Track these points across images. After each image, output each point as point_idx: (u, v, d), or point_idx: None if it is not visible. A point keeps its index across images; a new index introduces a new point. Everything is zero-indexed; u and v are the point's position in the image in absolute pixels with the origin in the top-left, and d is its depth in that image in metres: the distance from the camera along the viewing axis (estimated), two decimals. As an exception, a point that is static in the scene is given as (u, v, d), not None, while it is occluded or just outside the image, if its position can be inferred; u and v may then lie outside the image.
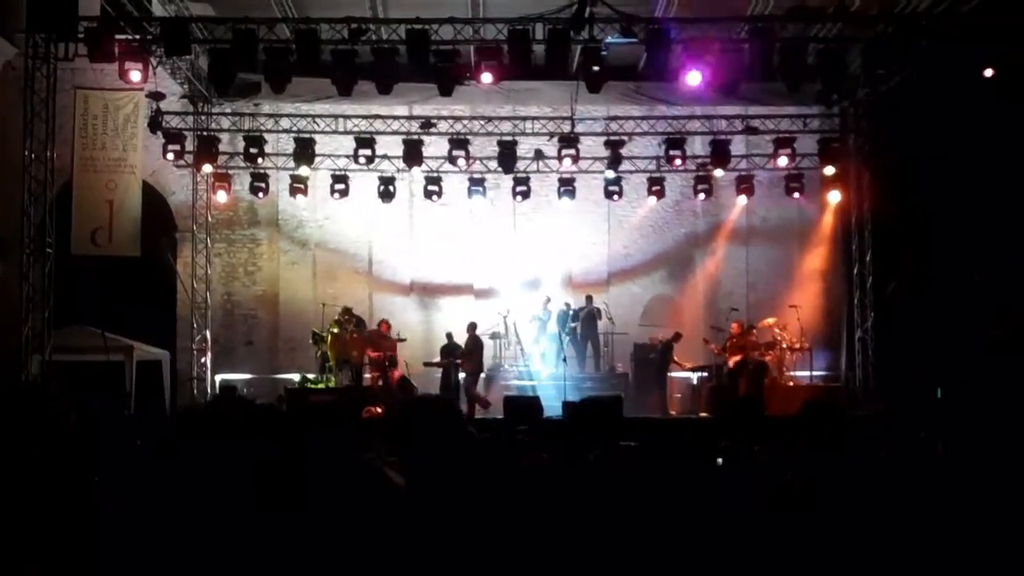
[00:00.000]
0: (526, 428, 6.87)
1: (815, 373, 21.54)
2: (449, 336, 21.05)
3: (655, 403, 20.63)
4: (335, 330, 20.36)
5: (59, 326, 18.55)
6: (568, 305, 22.15)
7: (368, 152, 21.48)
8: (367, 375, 20.66)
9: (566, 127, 21.85)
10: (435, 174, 22.24)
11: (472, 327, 20.94)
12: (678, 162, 21.71)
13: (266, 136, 21.95)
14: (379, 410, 18.98)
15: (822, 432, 4.19)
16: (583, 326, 21.88)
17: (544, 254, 23.49)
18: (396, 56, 17.91)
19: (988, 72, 17.06)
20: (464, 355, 20.60)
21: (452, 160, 21.67)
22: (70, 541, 3.17)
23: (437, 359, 20.93)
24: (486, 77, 17.74)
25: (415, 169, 21.86)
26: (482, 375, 20.94)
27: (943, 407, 15.99)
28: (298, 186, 22.22)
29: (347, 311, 20.81)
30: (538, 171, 22.55)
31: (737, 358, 20.22)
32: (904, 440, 7.04)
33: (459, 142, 21.58)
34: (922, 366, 18.59)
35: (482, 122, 22.11)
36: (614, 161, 21.78)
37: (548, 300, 22.33)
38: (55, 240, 18.55)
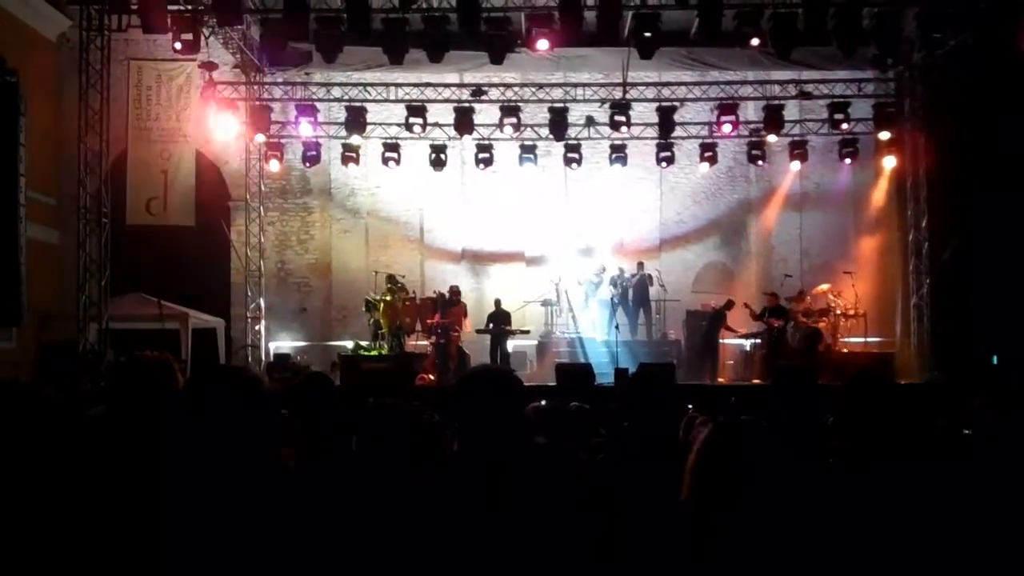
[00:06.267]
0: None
1: (870, 339, 21.36)
2: (497, 303, 21.08)
3: (707, 370, 20.59)
4: (388, 297, 20.40)
5: (115, 294, 18.83)
6: (621, 270, 22.05)
7: (419, 120, 21.47)
8: (424, 342, 20.71)
9: (617, 93, 21.71)
10: (486, 142, 22.20)
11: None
12: (729, 128, 21.54)
13: (318, 105, 22.03)
14: (432, 377, 19.11)
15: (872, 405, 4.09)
16: (635, 293, 21.79)
17: (596, 221, 23.38)
18: (447, 24, 17.90)
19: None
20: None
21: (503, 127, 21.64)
22: None
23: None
24: (541, 44, 17.76)
25: (466, 137, 21.83)
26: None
27: (999, 375, 15.82)
28: (350, 155, 22.28)
29: (390, 279, 20.70)
30: (589, 138, 22.49)
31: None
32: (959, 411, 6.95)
33: (510, 109, 21.52)
34: (978, 333, 18.40)
35: (533, 89, 22.03)
36: (666, 128, 21.59)
37: (603, 269, 22.24)
38: (111, 210, 18.81)
